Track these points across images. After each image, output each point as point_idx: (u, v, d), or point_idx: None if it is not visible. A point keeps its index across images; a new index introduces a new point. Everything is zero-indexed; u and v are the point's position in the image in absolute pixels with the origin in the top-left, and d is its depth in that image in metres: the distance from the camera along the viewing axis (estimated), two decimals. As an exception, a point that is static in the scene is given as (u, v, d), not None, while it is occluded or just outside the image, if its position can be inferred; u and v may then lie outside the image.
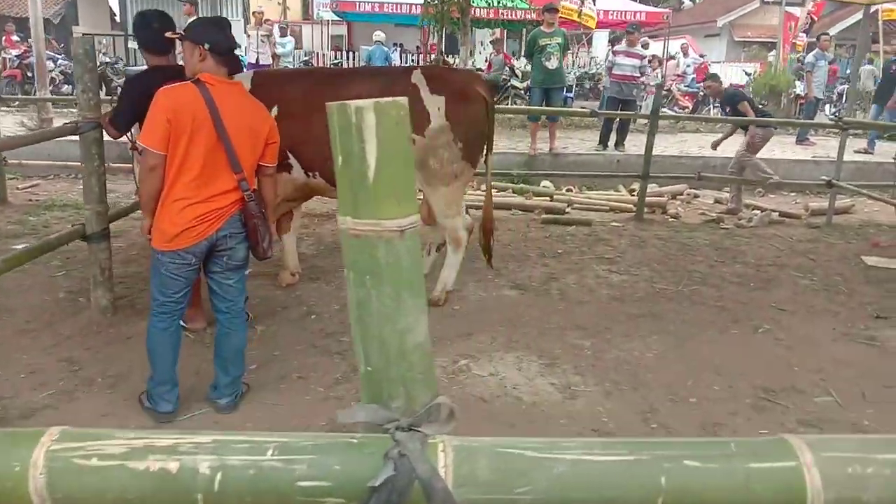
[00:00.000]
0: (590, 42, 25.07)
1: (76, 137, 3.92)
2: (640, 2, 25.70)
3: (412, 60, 19.34)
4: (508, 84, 13.61)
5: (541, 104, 9.08)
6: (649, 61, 13.45)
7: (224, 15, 23.09)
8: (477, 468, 0.84)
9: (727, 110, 7.74)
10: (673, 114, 12.87)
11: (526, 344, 4.01)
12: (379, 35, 14.45)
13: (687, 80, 15.43)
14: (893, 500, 0.82)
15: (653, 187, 8.19)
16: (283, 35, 13.33)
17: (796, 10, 17.21)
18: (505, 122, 11.72)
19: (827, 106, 13.88)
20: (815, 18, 19.77)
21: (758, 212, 7.44)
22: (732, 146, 7.84)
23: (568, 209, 7.52)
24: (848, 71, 15.47)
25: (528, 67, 10.20)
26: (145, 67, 3.95)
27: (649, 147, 7.15)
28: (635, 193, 7.60)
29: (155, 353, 3.01)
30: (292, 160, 4.33)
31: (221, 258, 2.97)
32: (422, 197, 4.45)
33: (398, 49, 19.75)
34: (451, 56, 15.47)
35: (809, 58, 11.67)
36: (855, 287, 5.27)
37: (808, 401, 3.47)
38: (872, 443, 0.86)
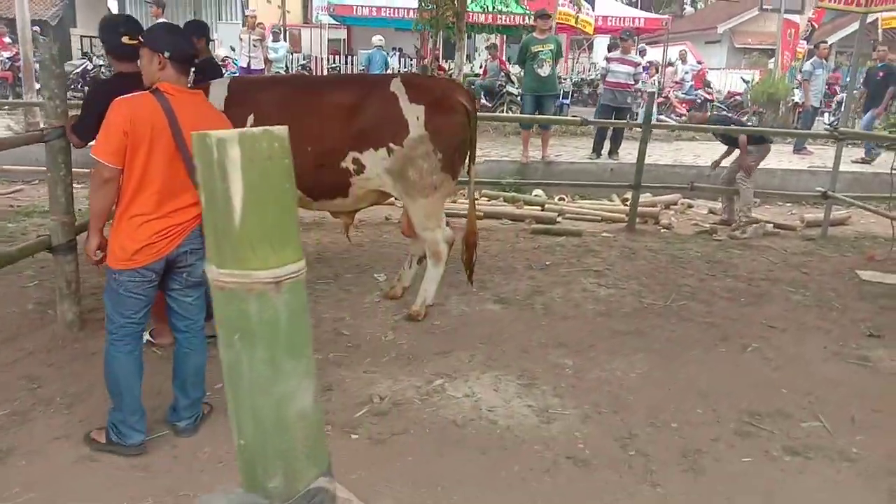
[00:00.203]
0: (590, 48, 25.03)
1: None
2: (640, 7, 25.71)
3: (411, 65, 19.24)
4: (504, 90, 13.49)
5: (533, 111, 8.96)
6: (646, 68, 13.33)
7: (223, 19, 23.05)
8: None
9: (720, 139, 7.50)
10: (665, 122, 12.73)
11: (505, 363, 3.88)
12: (378, 39, 14.33)
13: (685, 88, 15.31)
14: None
15: (647, 197, 8.08)
16: (276, 40, 13.18)
17: (796, 18, 17.10)
18: (498, 130, 11.61)
19: (826, 114, 13.74)
20: (816, 26, 19.67)
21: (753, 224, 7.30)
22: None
23: (559, 219, 7.39)
24: (848, 79, 15.34)
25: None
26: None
27: (641, 156, 7.02)
28: (628, 203, 7.47)
29: (120, 382, 2.82)
30: (268, 170, 4.20)
31: (181, 275, 2.84)
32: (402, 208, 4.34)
33: (397, 54, 19.65)
34: (447, 61, 15.36)
35: (807, 66, 11.56)
36: (848, 303, 5.13)
37: (796, 426, 3.33)
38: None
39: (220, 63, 12.49)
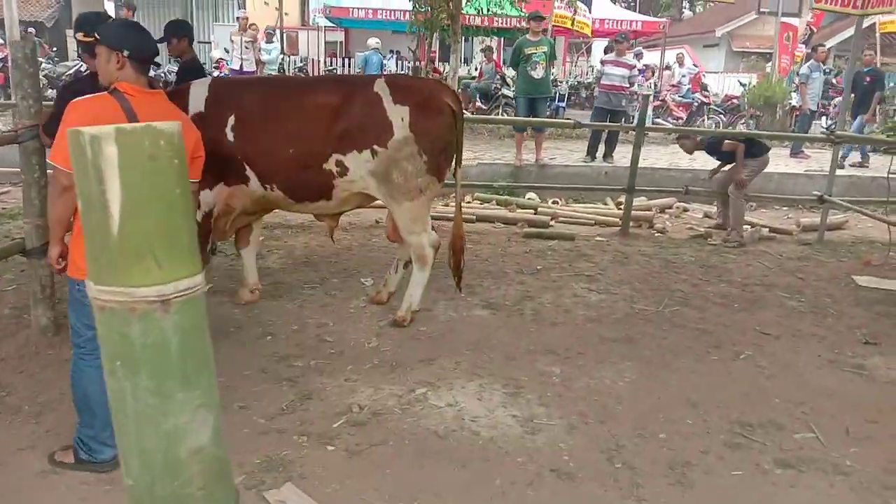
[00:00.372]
0: (589, 50, 24.96)
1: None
2: (639, 11, 25.65)
3: (408, 67, 19.13)
4: (500, 93, 13.40)
5: (527, 114, 8.86)
6: (641, 71, 13.25)
7: (219, 20, 22.95)
8: None
9: (716, 157, 7.20)
10: (659, 126, 12.63)
11: (491, 370, 3.77)
12: (374, 42, 14.23)
13: (682, 91, 15.21)
14: None
15: (642, 200, 7.99)
16: (268, 41, 13.05)
17: (795, 21, 17.02)
18: (493, 132, 11.52)
19: (823, 118, 13.65)
20: (815, 29, 19.61)
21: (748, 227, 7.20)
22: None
23: (552, 223, 7.30)
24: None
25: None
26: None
27: (635, 159, 6.93)
28: (622, 207, 7.37)
29: (90, 398, 2.68)
30: (249, 172, 4.11)
31: None
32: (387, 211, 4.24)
33: (394, 56, 19.54)
34: (442, 64, 15.27)
35: (804, 69, 11.48)
36: (844, 309, 5.03)
37: (788, 437, 3.23)
38: None
39: (215, 65, 12.44)
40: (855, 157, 10.53)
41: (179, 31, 4.96)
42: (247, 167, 4.09)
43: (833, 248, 6.93)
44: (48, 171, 3.81)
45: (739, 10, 25.46)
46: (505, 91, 13.00)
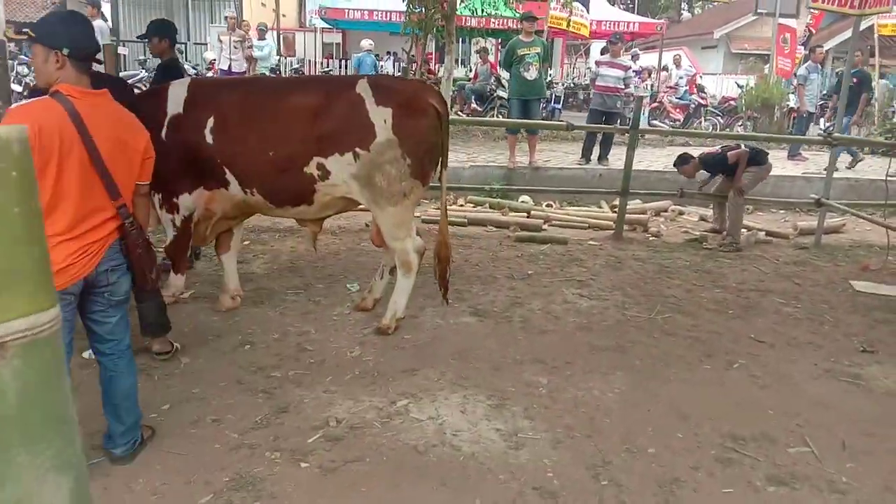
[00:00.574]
0: (587, 52, 24.89)
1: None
2: (637, 12, 25.58)
3: (405, 69, 19.00)
4: (495, 94, 13.28)
5: (520, 116, 8.74)
6: (637, 72, 13.14)
7: (215, 22, 22.81)
8: None
9: (717, 175, 7.03)
10: (653, 128, 12.52)
11: (476, 381, 3.65)
12: (367, 43, 14.12)
13: (679, 92, 15.11)
14: None
15: (637, 203, 7.87)
16: (261, 38, 12.88)
17: (792, 23, 16.91)
18: (487, 134, 11.41)
19: (821, 120, 13.53)
20: (814, 31, 19.50)
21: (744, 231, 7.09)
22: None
23: (545, 226, 7.19)
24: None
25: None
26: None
27: (629, 162, 6.82)
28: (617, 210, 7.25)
29: None
30: (229, 175, 3.99)
31: (102, 295, 2.59)
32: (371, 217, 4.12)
33: (391, 57, 19.42)
34: (438, 65, 15.16)
35: (801, 70, 11.35)
36: (841, 316, 4.92)
37: (782, 452, 3.11)
38: None
39: (208, 66, 12.32)
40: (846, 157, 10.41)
41: (161, 31, 4.86)
42: (227, 170, 3.98)
43: (830, 252, 6.82)
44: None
45: (738, 12, 25.42)
46: (500, 92, 12.88)
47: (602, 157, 9.19)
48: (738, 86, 15.80)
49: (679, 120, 14.54)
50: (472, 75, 15.50)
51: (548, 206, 7.89)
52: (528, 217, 7.41)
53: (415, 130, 3.83)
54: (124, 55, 17.45)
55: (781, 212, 8.62)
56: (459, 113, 13.29)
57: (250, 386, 3.49)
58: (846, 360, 4.16)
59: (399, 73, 16.81)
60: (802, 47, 16.75)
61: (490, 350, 4.07)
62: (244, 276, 5.09)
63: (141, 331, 3.78)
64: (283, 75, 16.65)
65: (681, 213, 8.17)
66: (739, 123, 14.14)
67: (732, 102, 15.19)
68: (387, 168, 3.83)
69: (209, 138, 3.91)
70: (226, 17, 12.46)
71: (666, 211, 8.11)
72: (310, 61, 21.33)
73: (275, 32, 20.16)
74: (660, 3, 36.08)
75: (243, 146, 3.90)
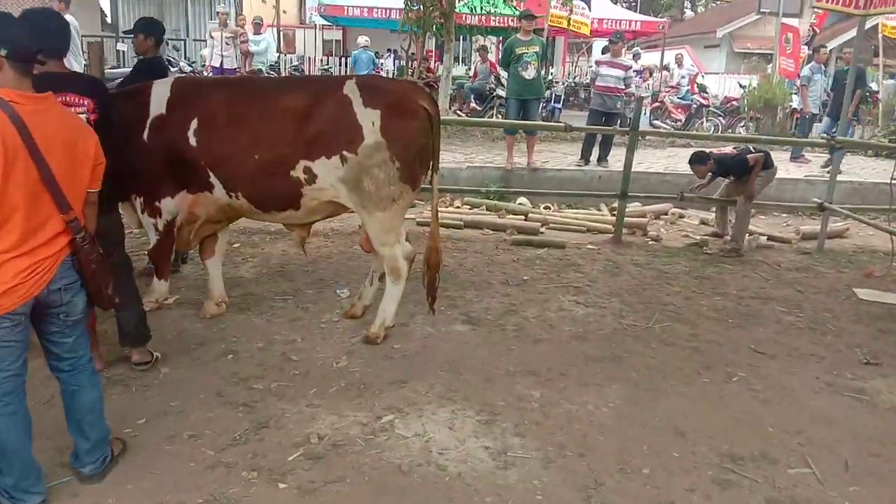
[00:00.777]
0: (589, 50, 24.70)
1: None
2: (639, 11, 25.41)
3: (401, 67, 18.87)
4: (494, 94, 13.14)
5: (517, 116, 8.59)
6: (639, 72, 13.00)
7: (213, 19, 22.69)
8: None
9: (731, 178, 6.76)
10: (654, 129, 12.37)
11: (466, 394, 3.52)
12: (363, 40, 13.98)
13: (681, 92, 14.95)
14: None
15: (636, 206, 7.74)
16: (256, 32, 12.69)
17: (795, 22, 16.74)
18: (486, 134, 11.27)
19: (824, 119, 13.37)
20: (817, 31, 19.33)
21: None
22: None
23: (542, 229, 7.05)
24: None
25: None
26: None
27: (628, 164, 6.68)
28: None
29: (7, 447, 2.39)
30: (213, 179, 3.86)
31: (57, 316, 2.43)
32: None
33: (391, 55, 19.27)
34: (438, 64, 15.02)
35: (805, 71, 11.20)
36: (844, 325, 4.78)
37: (781, 472, 2.98)
38: None
39: (204, 63, 12.16)
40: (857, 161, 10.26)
41: (147, 29, 4.73)
42: (211, 173, 3.85)
43: (833, 257, 6.68)
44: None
45: (741, 11, 25.27)
46: (500, 91, 12.73)
47: (601, 159, 9.05)
48: (741, 86, 15.66)
49: (681, 120, 14.39)
50: (471, 74, 15.34)
51: (546, 208, 7.76)
52: (525, 220, 7.28)
53: (404, 133, 3.70)
54: (123, 52, 17.33)
55: (783, 215, 8.48)
56: (458, 112, 13.16)
57: (231, 399, 3.36)
58: (849, 372, 4.03)
59: (398, 71, 16.68)
60: (806, 47, 16.59)
61: (482, 360, 3.94)
62: (232, 281, 4.98)
63: (119, 340, 3.67)
64: (283, 72, 16.57)
65: (681, 217, 8.03)
66: (742, 124, 14.00)
67: (735, 103, 15.04)
68: (375, 172, 3.70)
69: (192, 140, 3.78)
70: (217, 13, 12.26)
71: (666, 214, 7.98)
72: (310, 58, 21.21)
73: (274, 29, 20.08)
74: (662, 2, 35.91)
75: (228, 148, 3.78)
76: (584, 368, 3.90)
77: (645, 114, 13.62)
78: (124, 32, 4.42)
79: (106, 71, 13.28)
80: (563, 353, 4.09)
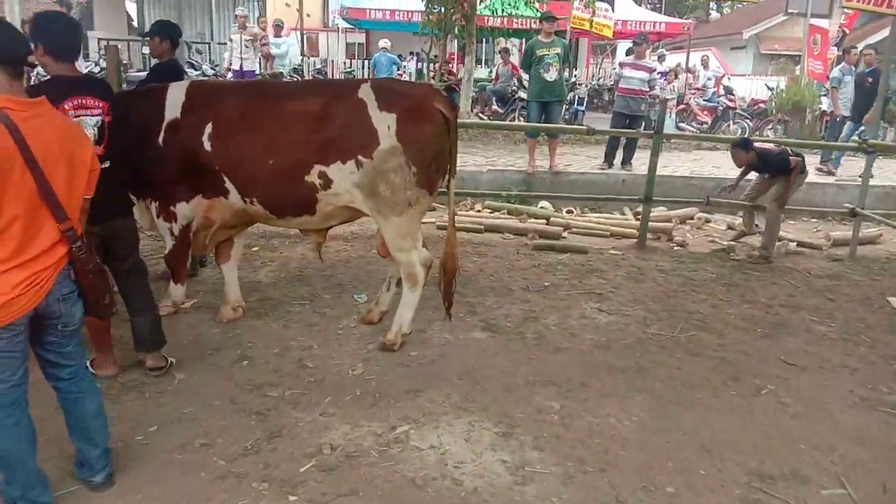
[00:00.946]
0: (613, 52, 24.48)
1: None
2: (663, 12, 25.11)
3: (419, 71, 18.83)
4: (516, 96, 13.03)
5: (539, 118, 8.47)
6: (663, 74, 12.80)
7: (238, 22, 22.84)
8: None
9: (766, 175, 6.53)
10: (678, 132, 12.15)
11: (484, 405, 3.43)
12: (384, 42, 13.95)
13: (707, 94, 14.71)
14: None
15: (661, 211, 7.58)
16: (277, 35, 12.71)
17: (824, 23, 16.39)
18: (508, 137, 11.16)
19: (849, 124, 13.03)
20: (847, 31, 18.93)
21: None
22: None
23: (564, 234, 6.93)
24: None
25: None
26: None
27: (653, 167, 6.53)
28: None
29: (10, 458, 2.35)
30: (228, 184, 3.81)
31: (55, 326, 2.39)
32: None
33: (414, 58, 19.24)
34: (459, 66, 14.94)
35: (835, 72, 10.90)
36: (878, 336, 4.61)
37: (814, 494, 2.84)
38: None
39: (227, 67, 12.19)
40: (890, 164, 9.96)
41: (163, 32, 4.71)
42: (225, 178, 3.80)
43: (866, 264, 6.47)
44: None
45: (768, 12, 24.82)
46: (522, 94, 12.61)
47: (625, 162, 8.90)
48: (768, 88, 15.37)
49: (707, 122, 14.16)
50: (493, 76, 15.24)
51: (568, 212, 7.64)
52: (547, 224, 7.17)
53: (420, 137, 3.62)
54: (147, 55, 17.49)
55: (814, 221, 8.25)
56: (480, 115, 13.07)
57: (244, 406, 3.30)
58: (884, 386, 3.86)
59: (416, 74, 16.63)
60: (835, 48, 16.23)
61: (500, 370, 3.84)
62: (250, 285, 4.94)
63: (134, 345, 3.64)
64: (306, 75, 16.61)
65: (707, 221, 7.85)
66: (769, 127, 13.72)
67: (762, 105, 14.76)
68: (391, 177, 3.62)
69: (207, 145, 3.74)
70: (236, 16, 12.28)
71: (692, 219, 7.80)
72: (332, 61, 21.28)
73: (297, 32, 20.16)
74: (688, 3, 35.45)
75: (242, 153, 3.73)
76: (607, 379, 3.78)
77: (670, 116, 13.41)
78: (140, 35, 4.41)
79: (130, 74, 13.43)
80: (584, 363, 3.98)
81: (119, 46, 17.72)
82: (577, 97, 13.14)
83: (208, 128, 3.75)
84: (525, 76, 10.22)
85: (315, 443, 3.02)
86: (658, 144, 6.55)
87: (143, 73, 11.15)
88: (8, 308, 2.17)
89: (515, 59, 15.74)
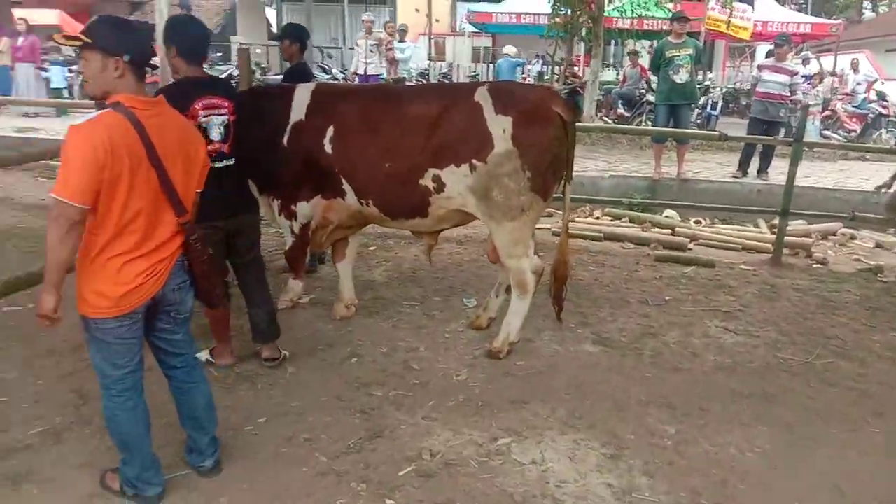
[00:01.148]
0: (753, 55, 23.10)
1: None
2: (810, 12, 23.40)
3: (540, 73, 18.58)
4: (644, 100, 12.56)
5: (667, 122, 8.08)
6: (807, 78, 11.88)
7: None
8: None
9: None
10: (822, 141, 11.20)
11: (591, 422, 3.27)
12: (509, 49, 13.91)
13: (856, 100, 13.51)
14: None
15: (801, 225, 7.01)
16: (401, 40, 12.98)
17: None
18: (633, 141, 10.77)
19: None
20: None
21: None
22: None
23: (690, 245, 6.56)
24: None
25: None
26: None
27: (791, 177, 6.05)
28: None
29: (128, 441, 2.51)
30: (346, 186, 3.87)
31: (168, 314, 2.50)
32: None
33: (539, 60, 19.05)
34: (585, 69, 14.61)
35: None
36: None
37: (973, 556, 2.48)
38: None
39: (354, 71, 12.60)
40: None
41: (293, 35, 4.89)
42: (343, 180, 3.87)
43: None
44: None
45: (933, 9, 22.50)
46: (650, 97, 12.15)
47: (761, 171, 8.32)
48: (930, 93, 13.91)
49: (855, 130, 13.01)
50: (620, 79, 14.79)
51: (696, 222, 7.23)
52: (671, 234, 6.82)
53: (536, 141, 3.51)
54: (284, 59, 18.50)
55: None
56: (605, 118, 12.71)
57: (350, 404, 3.34)
58: None
59: (537, 76, 16.40)
60: None
61: (612, 386, 3.66)
62: (364, 284, 5.02)
63: (252, 336, 3.78)
64: (432, 79, 16.90)
65: (852, 238, 7.17)
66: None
67: (921, 112, 13.38)
68: (505, 181, 3.54)
69: (328, 147, 3.82)
70: (362, 20, 12.65)
71: (834, 234, 7.15)
72: (458, 65, 21.48)
73: (425, 37, 20.55)
74: (838, 3, 32.86)
75: (360, 156, 3.78)
76: (729, 405, 3.50)
77: (814, 123, 12.44)
78: (271, 38, 4.63)
79: (269, 77, 14.18)
80: (705, 386, 3.71)
81: (259, 51, 18.85)
82: (710, 101, 12.49)
83: (330, 130, 3.83)
84: (654, 78, 9.82)
85: (415, 447, 2.99)
86: (798, 153, 6.05)
87: (280, 77, 11.77)
88: (131, 296, 2.30)
89: (645, 61, 15.21)
